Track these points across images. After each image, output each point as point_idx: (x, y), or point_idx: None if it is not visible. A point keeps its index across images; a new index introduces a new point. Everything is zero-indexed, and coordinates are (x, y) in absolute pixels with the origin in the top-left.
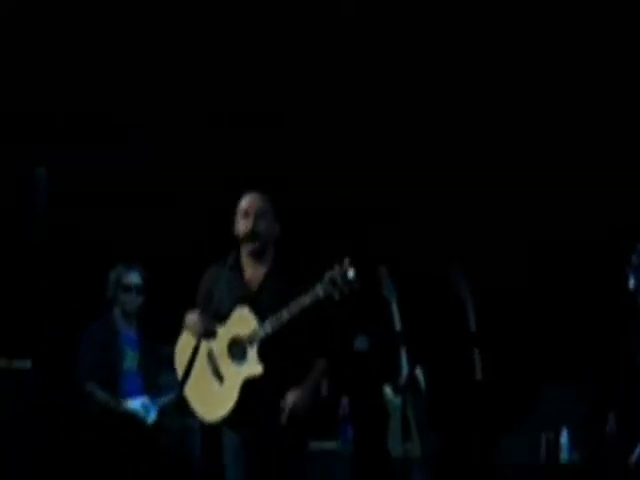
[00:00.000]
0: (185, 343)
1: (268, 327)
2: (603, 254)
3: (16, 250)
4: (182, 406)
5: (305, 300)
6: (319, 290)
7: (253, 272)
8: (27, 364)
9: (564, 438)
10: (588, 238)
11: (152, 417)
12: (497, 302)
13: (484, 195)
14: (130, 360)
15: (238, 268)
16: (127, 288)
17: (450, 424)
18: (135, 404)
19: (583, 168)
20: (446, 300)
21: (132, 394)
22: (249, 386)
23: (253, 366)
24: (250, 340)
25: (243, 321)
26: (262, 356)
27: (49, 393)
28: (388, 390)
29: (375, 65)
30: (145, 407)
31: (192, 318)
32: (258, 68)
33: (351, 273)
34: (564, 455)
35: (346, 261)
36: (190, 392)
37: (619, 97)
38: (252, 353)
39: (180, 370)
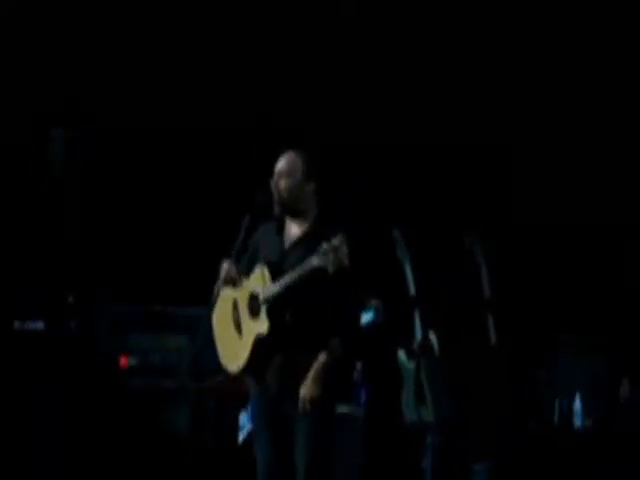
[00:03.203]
0: (224, 294)
1: (275, 287)
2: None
3: (33, 212)
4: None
5: (303, 267)
6: (314, 260)
7: (292, 232)
8: (40, 325)
9: (577, 404)
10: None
11: None
12: (512, 267)
13: (498, 155)
14: None
15: (281, 227)
16: None
17: (463, 389)
18: None
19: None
20: (461, 264)
21: None
22: (260, 344)
23: (262, 324)
24: (263, 298)
25: (260, 278)
26: (270, 315)
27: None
28: (402, 354)
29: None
30: None
31: (224, 265)
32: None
33: (344, 249)
34: (577, 421)
35: (340, 236)
36: (218, 335)
37: None
38: (263, 311)
39: (216, 322)
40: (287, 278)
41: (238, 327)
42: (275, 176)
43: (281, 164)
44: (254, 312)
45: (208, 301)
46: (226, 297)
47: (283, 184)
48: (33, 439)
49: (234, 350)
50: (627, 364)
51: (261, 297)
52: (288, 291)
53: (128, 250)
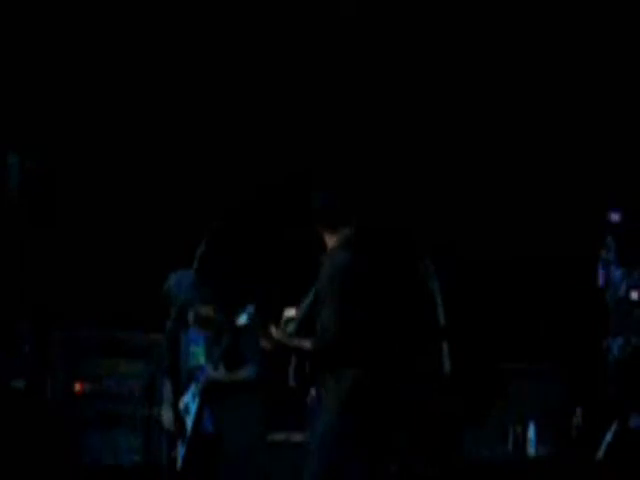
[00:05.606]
0: None
1: None
2: (573, 249)
3: None
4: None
5: None
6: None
7: None
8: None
9: (531, 432)
10: (558, 236)
11: None
12: (466, 296)
13: (456, 186)
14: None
15: None
16: None
17: (418, 418)
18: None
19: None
20: (415, 293)
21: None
22: None
23: None
24: None
25: None
26: None
27: None
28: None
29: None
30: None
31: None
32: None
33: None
34: (531, 449)
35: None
36: None
37: None
38: None
39: None
40: None
41: None
42: None
43: None
44: None
45: (162, 327)
46: None
47: None
48: None
49: None
50: (580, 393)
51: None
52: None
53: (82, 276)
